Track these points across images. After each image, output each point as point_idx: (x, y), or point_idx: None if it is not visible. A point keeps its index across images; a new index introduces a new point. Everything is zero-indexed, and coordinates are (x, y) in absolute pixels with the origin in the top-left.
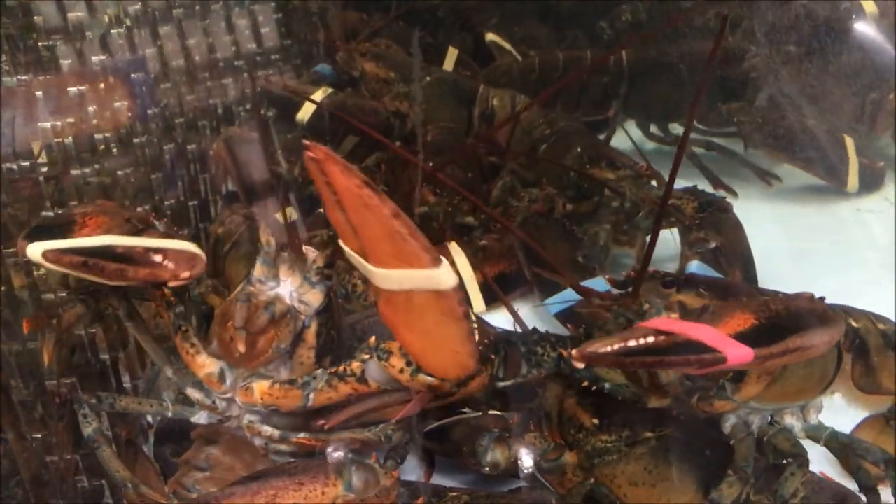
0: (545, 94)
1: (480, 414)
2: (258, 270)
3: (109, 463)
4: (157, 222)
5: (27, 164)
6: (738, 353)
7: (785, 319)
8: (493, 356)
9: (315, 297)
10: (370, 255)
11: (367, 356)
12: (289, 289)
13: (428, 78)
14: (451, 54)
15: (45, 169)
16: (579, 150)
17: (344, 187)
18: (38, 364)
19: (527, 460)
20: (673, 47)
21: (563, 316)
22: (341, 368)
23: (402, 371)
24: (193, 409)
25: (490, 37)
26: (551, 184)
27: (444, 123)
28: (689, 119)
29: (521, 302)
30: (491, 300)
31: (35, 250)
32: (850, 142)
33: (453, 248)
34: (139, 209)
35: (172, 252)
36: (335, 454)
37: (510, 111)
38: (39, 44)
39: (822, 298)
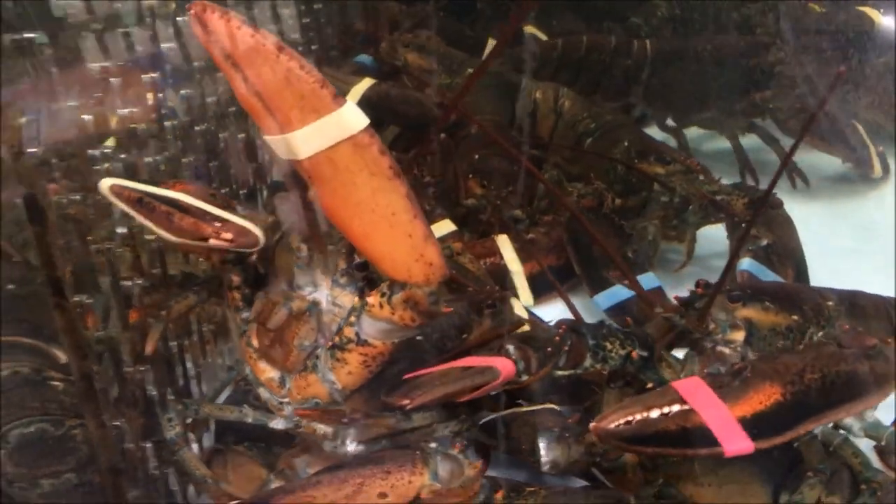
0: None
1: (537, 407)
2: (296, 276)
3: (191, 462)
4: (238, 207)
5: (98, 152)
6: (738, 448)
7: (815, 394)
8: (560, 343)
9: (346, 300)
10: (280, 117)
11: (353, 318)
12: (325, 293)
13: (470, 70)
14: (489, 46)
15: (122, 156)
16: (626, 144)
17: (227, 35)
18: (118, 351)
19: (587, 460)
20: (698, 38)
21: (614, 311)
22: (336, 339)
23: (381, 307)
24: (272, 415)
25: (529, 29)
26: (598, 178)
27: (487, 116)
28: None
29: (569, 295)
30: (539, 294)
31: (106, 183)
32: (861, 128)
33: (502, 240)
34: None
35: (231, 224)
36: (423, 444)
37: (553, 104)
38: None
39: (874, 346)
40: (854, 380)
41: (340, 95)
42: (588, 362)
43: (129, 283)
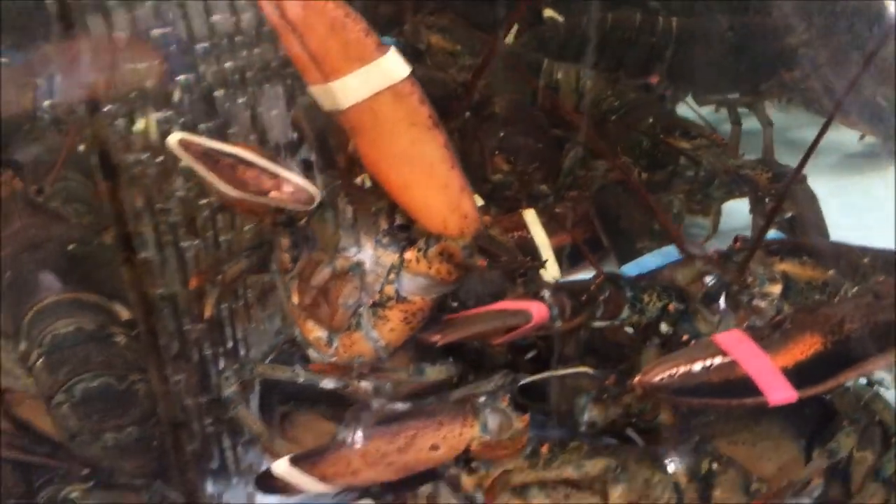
0: None
1: (571, 371)
2: (340, 237)
3: (246, 419)
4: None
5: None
6: (782, 396)
7: (855, 343)
8: (597, 292)
9: (389, 260)
10: (325, 66)
11: (393, 276)
12: (369, 253)
13: None
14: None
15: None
16: (651, 120)
17: None
18: (179, 309)
19: (624, 421)
20: (725, 16)
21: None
22: (377, 296)
23: (418, 261)
24: (322, 375)
25: (548, 12)
26: (624, 154)
27: (509, 95)
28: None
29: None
30: (566, 266)
31: (174, 138)
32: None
33: (529, 215)
34: None
35: (291, 181)
36: (472, 397)
37: (575, 85)
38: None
39: None
40: (892, 329)
41: (384, 44)
42: (625, 314)
43: (187, 244)
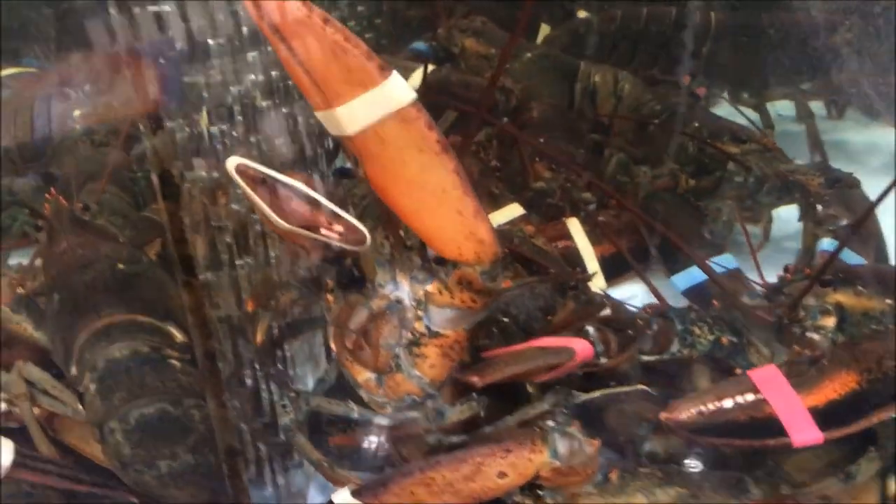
0: None
1: (627, 389)
2: (378, 274)
3: (304, 448)
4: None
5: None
6: (806, 438)
7: (890, 381)
8: (644, 326)
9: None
10: (327, 91)
11: (421, 311)
12: (406, 290)
13: (528, 54)
14: (543, 31)
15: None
16: (696, 124)
17: (276, 7)
18: (238, 332)
19: (685, 451)
20: (764, 12)
21: (693, 292)
22: (409, 335)
23: (441, 292)
24: (375, 412)
25: (581, 13)
26: (669, 160)
27: (546, 100)
28: None
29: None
30: (611, 276)
31: (232, 162)
32: None
33: (572, 223)
34: None
35: (344, 221)
36: (540, 421)
37: (613, 88)
38: None
39: None
40: None
41: (387, 67)
42: (675, 347)
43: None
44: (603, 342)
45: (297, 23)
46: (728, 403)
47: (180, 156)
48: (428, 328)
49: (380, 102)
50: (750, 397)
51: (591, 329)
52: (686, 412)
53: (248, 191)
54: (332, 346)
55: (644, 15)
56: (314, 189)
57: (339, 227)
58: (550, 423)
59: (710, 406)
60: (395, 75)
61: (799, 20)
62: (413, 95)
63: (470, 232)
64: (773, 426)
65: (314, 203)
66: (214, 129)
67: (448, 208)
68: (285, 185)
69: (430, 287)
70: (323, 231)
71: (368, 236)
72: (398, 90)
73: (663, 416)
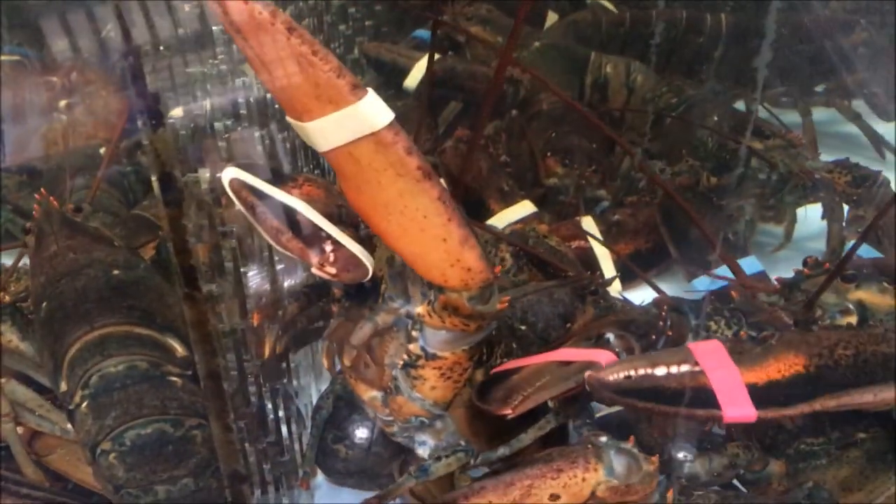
0: None
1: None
2: (388, 287)
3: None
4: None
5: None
6: (738, 414)
7: (841, 371)
8: (664, 327)
9: None
10: (296, 105)
11: (415, 333)
12: (417, 305)
13: (537, 44)
14: (551, 19)
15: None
16: (716, 118)
17: (236, 10)
18: (243, 347)
19: (729, 474)
20: (778, 13)
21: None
22: (405, 357)
23: (430, 315)
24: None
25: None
26: (689, 155)
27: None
28: None
29: (660, 280)
30: (627, 278)
31: (228, 174)
32: None
33: (587, 223)
34: None
35: (344, 250)
36: (593, 437)
37: (625, 79)
38: None
39: None
40: (891, 363)
41: (360, 87)
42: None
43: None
44: (626, 350)
45: (259, 28)
46: (661, 371)
47: (182, 155)
48: (424, 350)
49: (351, 123)
50: (686, 367)
51: (611, 337)
52: (614, 374)
53: (242, 209)
54: (324, 361)
55: (654, 16)
56: (324, 205)
57: (332, 269)
58: (603, 438)
59: (640, 371)
60: (371, 95)
61: (813, 20)
62: (390, 118)
63: (455, 260)
64: (704, 400)
65: (314, 227)
66: (218, 125)
67: (430, 235)
68: (282, 203)
69: (420, 309)
70: (317, 262)
71: (371, 272)
72: (373, 112)
73: (587, 374)
